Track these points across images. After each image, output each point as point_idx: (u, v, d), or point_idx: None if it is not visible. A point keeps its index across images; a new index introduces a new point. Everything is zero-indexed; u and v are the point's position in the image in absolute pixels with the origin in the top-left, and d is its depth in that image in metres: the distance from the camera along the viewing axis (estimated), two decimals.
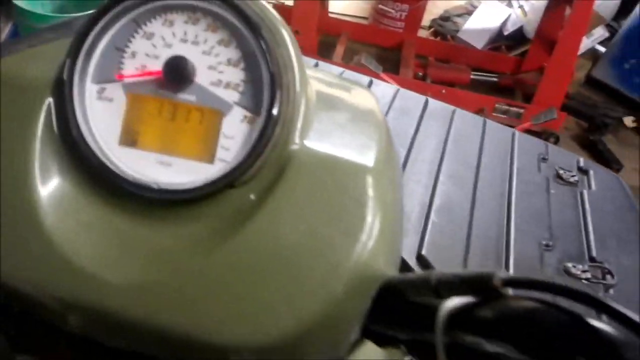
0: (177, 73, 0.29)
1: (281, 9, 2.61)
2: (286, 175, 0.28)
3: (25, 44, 0.33)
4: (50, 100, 0.29)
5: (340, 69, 0.89)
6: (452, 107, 0.87)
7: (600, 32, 2.61)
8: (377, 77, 2.23)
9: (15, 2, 1.73)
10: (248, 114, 0.29)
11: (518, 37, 2.64)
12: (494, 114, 2.27)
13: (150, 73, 0.29)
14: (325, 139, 0.30)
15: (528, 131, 1.38)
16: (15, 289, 0.27)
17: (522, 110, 2.25)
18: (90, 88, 0.29)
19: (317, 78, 0.35)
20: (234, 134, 0.29)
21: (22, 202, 0.27)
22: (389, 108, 0.83)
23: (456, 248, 0.62)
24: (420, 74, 2.44)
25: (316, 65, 0.88)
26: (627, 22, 2.50)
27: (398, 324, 0.28)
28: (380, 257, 0.28)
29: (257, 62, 0.29)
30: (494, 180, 0.73)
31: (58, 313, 0.27)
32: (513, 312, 0.22)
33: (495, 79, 2.49)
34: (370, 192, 0.28)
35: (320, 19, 2.43)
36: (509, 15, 2.62)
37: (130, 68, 0.29)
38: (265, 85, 0.29)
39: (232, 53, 0.29)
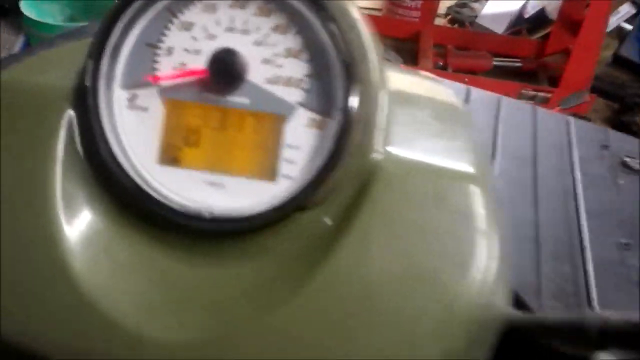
0: (225, 71, 0.23)
1: None
2: (370, 191, 0.22)
3: (36, 52, 0.27)
4: (70, 112, 0.23)
5: None
6: (496, 96, 0.81)
7: (626, 9, 2.52)
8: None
9: (24, 12, 1.70)
10: (316, 116, 0.23)
11: (539, 19, 2.55)
12: (520, 101, 2.19)
13: (191, 73, 0.23)
14: (411, 143, 0.24)
15: None
16: (42, 353, 0.22)
17: (549, 95, 2.17)
18: (119, 95, 0.24)
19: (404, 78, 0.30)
20: (300, 144, 0.23)
21: (44, 244, 0.22)
22: None
23: (525, 255, 0.56)
24: (440, 63, 2.37)
25: None
26: None
27: None
28: (500, 291, 0.22)
29: (324, 51, 0.23)
30: (554, 175, 0.66)
31: None
32: None
33: (518, 64, 2.41)
34: (479, 205, 0.22)
35: None
36: None
37: (166, 68, 0.23)
38: (337, 80, 0.23)
39: (292, 41, 0.23)
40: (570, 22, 2.28)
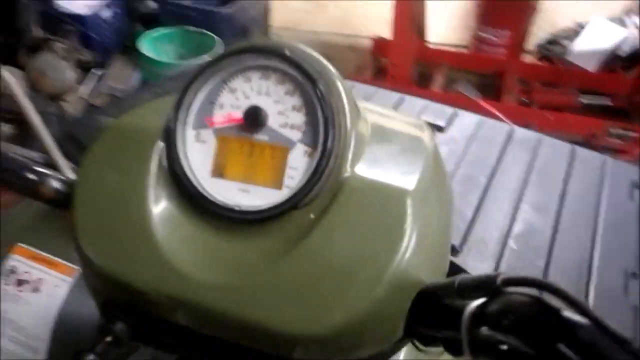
0: (254, 119, 0.36)
1: (379, 42, 2.70)
2: (339, 198, 0.34)
3: (146, 96, 0.42)
4: (160, 143, 0.38)
5: (424, 102, 0.93)
6: (539, 135, 0.88)
7: None
8: (475, 104, 2.21)
9: (141, 50, 1.98)
10: (308, 149, 0.35)
11: (635, 57, 2.48)
12: (607, 139, 2.15)
13: (233, 120, 0.37)
14: (374, 167, 0.36)
15: None
16: (133, 288, 0.35)
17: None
18: (190, 133, 0.37)
19: (378, 113, 0.41)
20: (298, 166, 0.35)
21: (139, 219, 0.36)
22: (472, 138, 0.86)
23: (533, 274, 0.63)
24: (525, 99, 2.38)
25: (401, 100, 0.93)
26: None
27: (435, 324, 0.32)
28: (419, 267, 0.32)
29: (315, 107, 0.35)
30: (580, 208, 0.73)
31: (164, 306, 0.35)
32: (510, 306, 0.26)
33: (607, 102, 2.36)
34: (409, 211, 0.33)
35: (418, 51, 2.48)
36: (625, 36, 2.48)
37: (219, 117, 0.37)
38: (321, 126, 0.35)
39: (296, 101, 0.36)
40: None
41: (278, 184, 0.35)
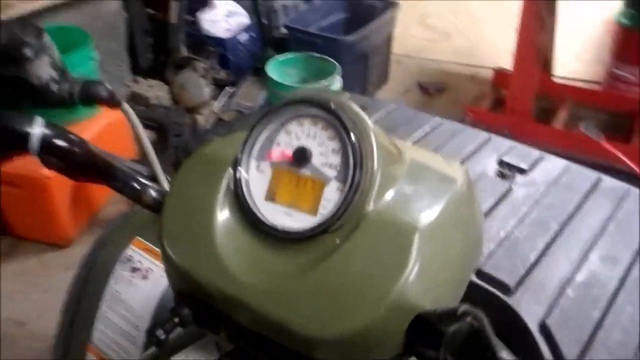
0: (302, 157, 0.44)
1: (500, 73, 2.66)
2: (360, 228, 0.41)
3: (224, 130, 0.52)
4: (230, 170, 0.47)
5: (511, 143, 0.95)
6: (627, 187, 0.86)
7: None
8: (597, 145, 2.10)
9: (268, 74, 2.16)
10: (340, 185, 0.43)
11: None
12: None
13: (286, 156, 0.45)
14: (396, 204, 0.42)
15: None
16: (197, 282, 0.45)
17: None
18: (252, 164, 0.46)
19: (418, 155, 0.47)
20: (331, 198, 0.43)
21: (207, 228, 0.45)
22: (553, 183, 0.86)
23: (588, 326, 0.64)
24: None
25: (486, 140, 0.95)
26: None
27: (426, 345, 0.38)
28: (417, 294, 0.38)
29: (347, 152, 0.43)
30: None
31: (218, 300, 0.44)
32: (458, 334, 0.32)
33: None
34: (414, 246, 0.39)
35: (541, 84, 2.41)
36: None
37: (276, 152, 0.46)
38: (351, 167, 0.42)
39: (335, 144, 0.43)
40: None
41: (314, 212, 0.43)
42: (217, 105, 2.50)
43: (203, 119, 2.41)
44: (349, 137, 0.42)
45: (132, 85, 2.44)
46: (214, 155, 0.48)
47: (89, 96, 0.52)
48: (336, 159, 0.43)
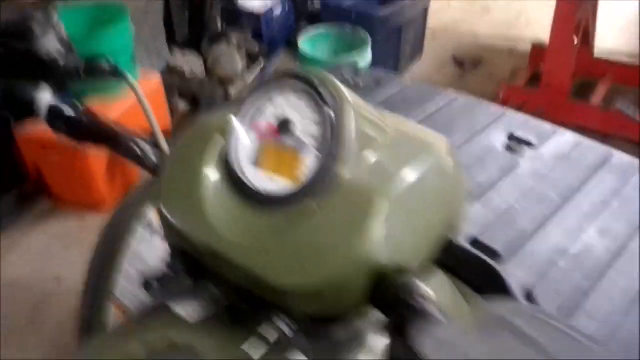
0: (285, 128, 0.48)
1: (538, 47, 2.58)
2: (334, 194, 0.44)
3: (222, 106, 0.55)
4: (220, 137, 0.51)
5: (525, 118, 0.95)
6: (637, 163, 0.85)
7: None
8: (632, 124, 2.03)
9: (300, 47, 2.19)
10: (319, 154, 0.46)
11: None
12: None
13: (272, 126, 0.49)
14: (372, 173, 0.45)
15: None
16: (186, 239, 0.49)
17: None
18: (242, 133, 0.50)
19: (403, 127, 0.50)
20: (310, 166, 0.46)
21: (196, 190, 0.49)
22: (561, 157, 0.86)
23: (575, 295, 0.65)
24: None
25: (501, 115, 0.96)
26: None
27: (390, 305, 0.41)
28: (380, 255, 0.41)
29: (326, 124, 0.46)
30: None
31: (206, 255, 0.48)
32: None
33: None
34: (381, 212, 0.42)
35: (580, 60, 2.33)
36: None
37: (263, 123, 0.49)
38: (329, 138, 0.45)
39: (316, 117, 0.47)
40: None
41: (295, 178, 0.47)
42: (248, 77, 2.54)
43: (235, 91, 2.46)
44: (327, 110, 0.45)
45: (168, 58, 2.51)
46: (209, 125, 0.52)
47: (93, 70, 0.56)
48: (316, 131, 0.46)
